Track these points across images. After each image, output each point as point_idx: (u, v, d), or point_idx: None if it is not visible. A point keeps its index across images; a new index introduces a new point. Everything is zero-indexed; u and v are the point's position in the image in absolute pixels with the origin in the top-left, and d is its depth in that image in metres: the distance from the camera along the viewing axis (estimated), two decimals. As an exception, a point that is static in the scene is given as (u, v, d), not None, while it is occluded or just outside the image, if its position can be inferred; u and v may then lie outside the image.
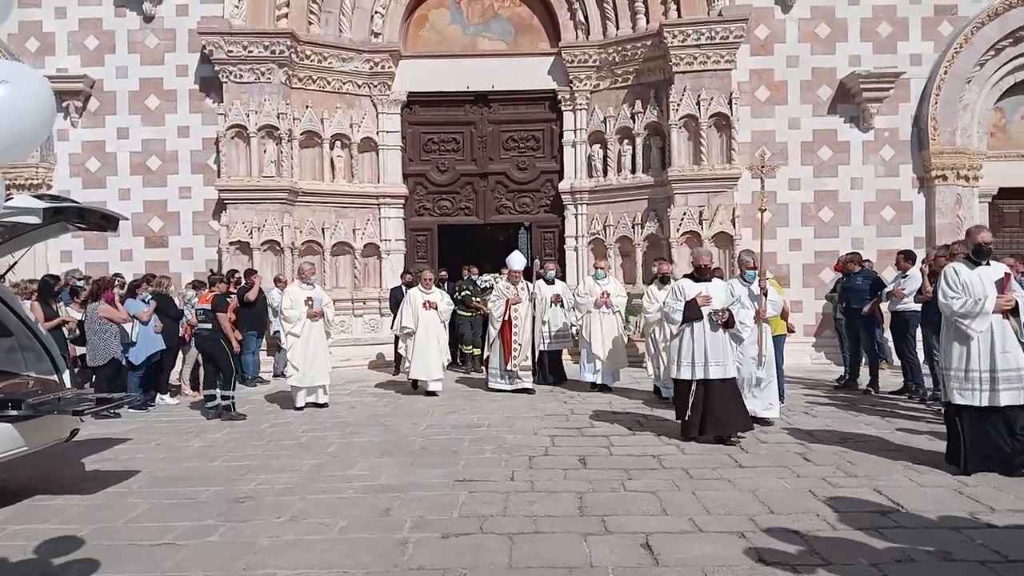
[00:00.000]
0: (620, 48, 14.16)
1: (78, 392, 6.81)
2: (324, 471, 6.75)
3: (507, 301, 10.86)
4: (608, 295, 11.05)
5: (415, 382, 11.10)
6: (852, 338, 10.96)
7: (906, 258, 10.36)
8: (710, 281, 7.76)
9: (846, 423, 8.44)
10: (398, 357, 12.49)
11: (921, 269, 9.77)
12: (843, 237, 13.63)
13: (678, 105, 13.33)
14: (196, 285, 11.31)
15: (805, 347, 13.37)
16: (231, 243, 13.39)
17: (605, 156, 14.42)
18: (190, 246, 14.01)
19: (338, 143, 14.35)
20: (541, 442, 7.74)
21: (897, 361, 10.73)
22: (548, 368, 11.75)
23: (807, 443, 7.45)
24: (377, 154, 14.65)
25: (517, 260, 11.21)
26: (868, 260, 11.67)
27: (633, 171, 14.16)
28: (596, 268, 11.76)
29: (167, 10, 13.93)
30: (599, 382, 11.03)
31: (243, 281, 12.23)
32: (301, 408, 9.89)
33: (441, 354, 11.01)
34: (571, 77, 14.50)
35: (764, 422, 8.19)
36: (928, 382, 9.83)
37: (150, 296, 10.48)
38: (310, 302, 9.96)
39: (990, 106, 13.92)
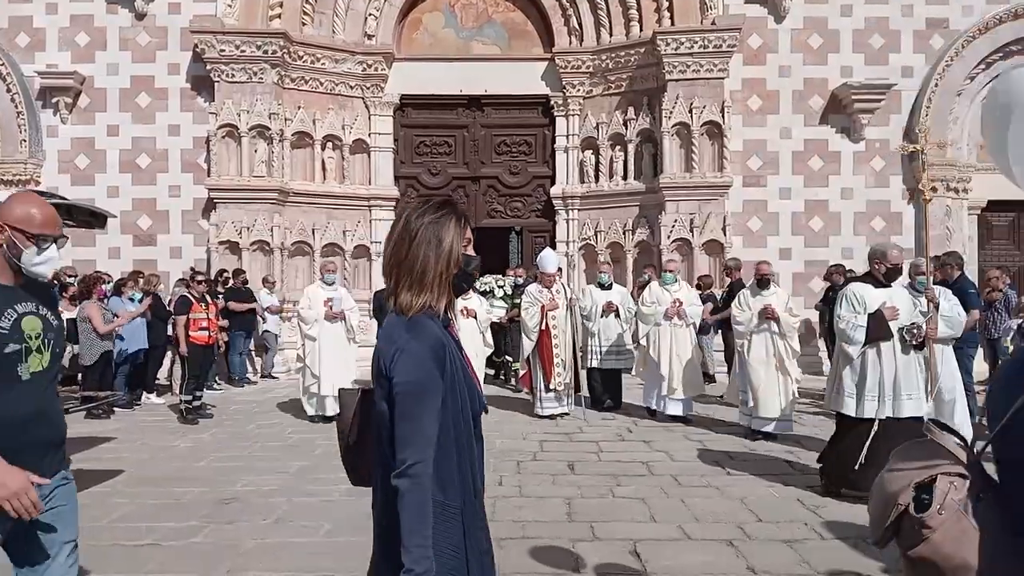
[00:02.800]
0: (613, 55, 14.18)
1: (64, 390, 6.75)
2: (311, 473, 6.70)
3: (542, 307, 9.03)
4: (680, 303, 8.99)
5: None
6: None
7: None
8: (891, 287, 5.99)
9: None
10: None
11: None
12: (833, 247, 13.67)
13: (670, 112, 13.35)
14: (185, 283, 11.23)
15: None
16: (220, 242, 13.29)
17: (597, 162, 14.41)
18: (179, 245, 13.90)
19: (330, 144, 14.28)
20: (530, 447, 7.71)
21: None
22: (602, 389, 9.76)
23: (795, 451, 7.45)
24: (369, 156, 14.60)
25: (550, 261, 9.29)
26: (851, 270, 11.68)
27: (625, 177, 14.16)
28: (666, 271, 9.55)
29: (159, 8, 13.84)
30: (669, 412, 8.88)
31: (231, 281, 12.17)
32: (312, 417, 9.03)
33: (481, 371, 9.47)
34: (564, 83, 14.49)
35: None
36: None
37: (140, 295, 10.37)
38: (330, 303, 9.05)
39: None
